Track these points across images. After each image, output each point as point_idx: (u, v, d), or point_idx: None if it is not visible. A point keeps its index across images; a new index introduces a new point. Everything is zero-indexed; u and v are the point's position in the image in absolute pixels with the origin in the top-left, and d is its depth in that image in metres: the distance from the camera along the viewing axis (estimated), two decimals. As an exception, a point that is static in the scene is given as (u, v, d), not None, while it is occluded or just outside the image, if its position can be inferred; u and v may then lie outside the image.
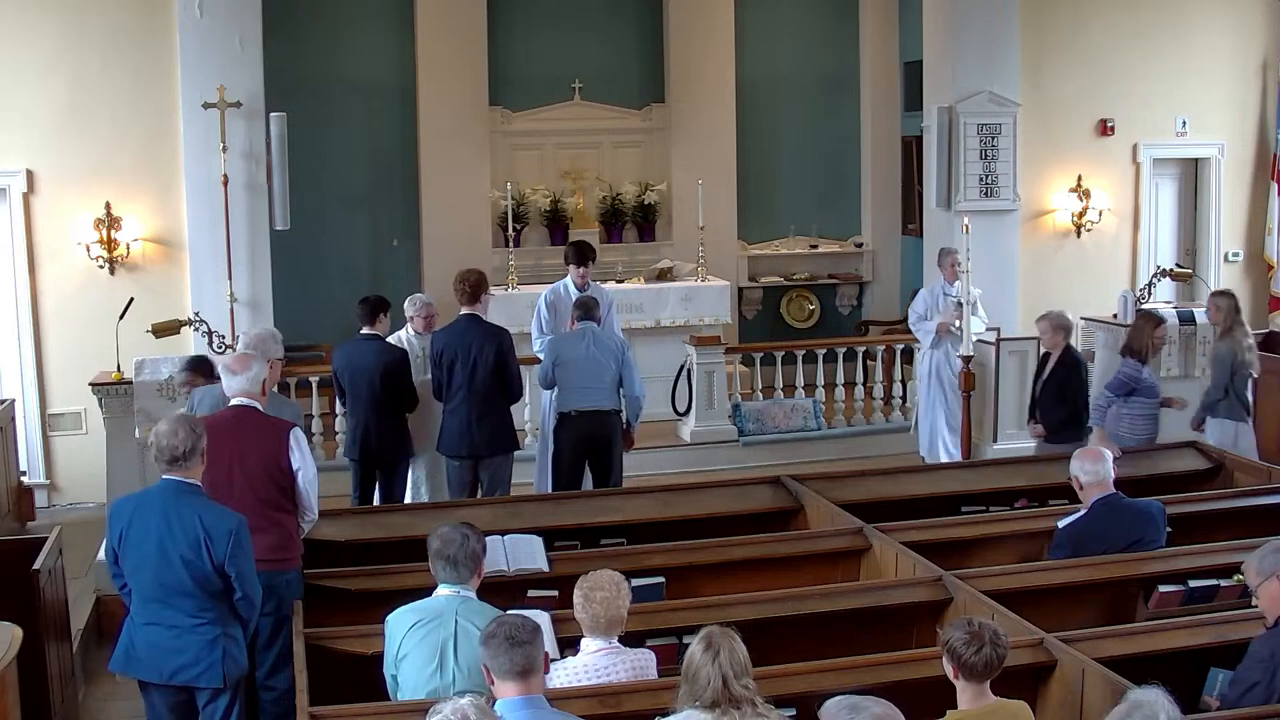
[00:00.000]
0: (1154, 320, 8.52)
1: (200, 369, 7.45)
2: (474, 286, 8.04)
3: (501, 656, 3.94)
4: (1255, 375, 8.94)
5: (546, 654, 4.06)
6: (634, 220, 13.75)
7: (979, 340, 9.98)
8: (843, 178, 14.47)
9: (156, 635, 5.04)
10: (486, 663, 3.99)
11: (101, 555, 8.04)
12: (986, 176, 11.28)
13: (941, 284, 10.34)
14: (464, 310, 8.03)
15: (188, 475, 5.06)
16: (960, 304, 10.07)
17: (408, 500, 8.25)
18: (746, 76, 13.88)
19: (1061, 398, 8.56)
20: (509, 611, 4.31)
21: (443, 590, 4.74)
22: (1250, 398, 8.86)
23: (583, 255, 9.08)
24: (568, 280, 9.08)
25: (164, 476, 5.10)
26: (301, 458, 5.76)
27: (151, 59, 9.68)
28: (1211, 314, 9.15)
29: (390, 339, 8.25)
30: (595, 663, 4.61)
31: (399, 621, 4.68)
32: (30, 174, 9.60)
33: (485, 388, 7.89)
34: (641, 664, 4.67)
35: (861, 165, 14.45)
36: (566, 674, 4.59)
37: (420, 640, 4.60)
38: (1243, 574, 5.04)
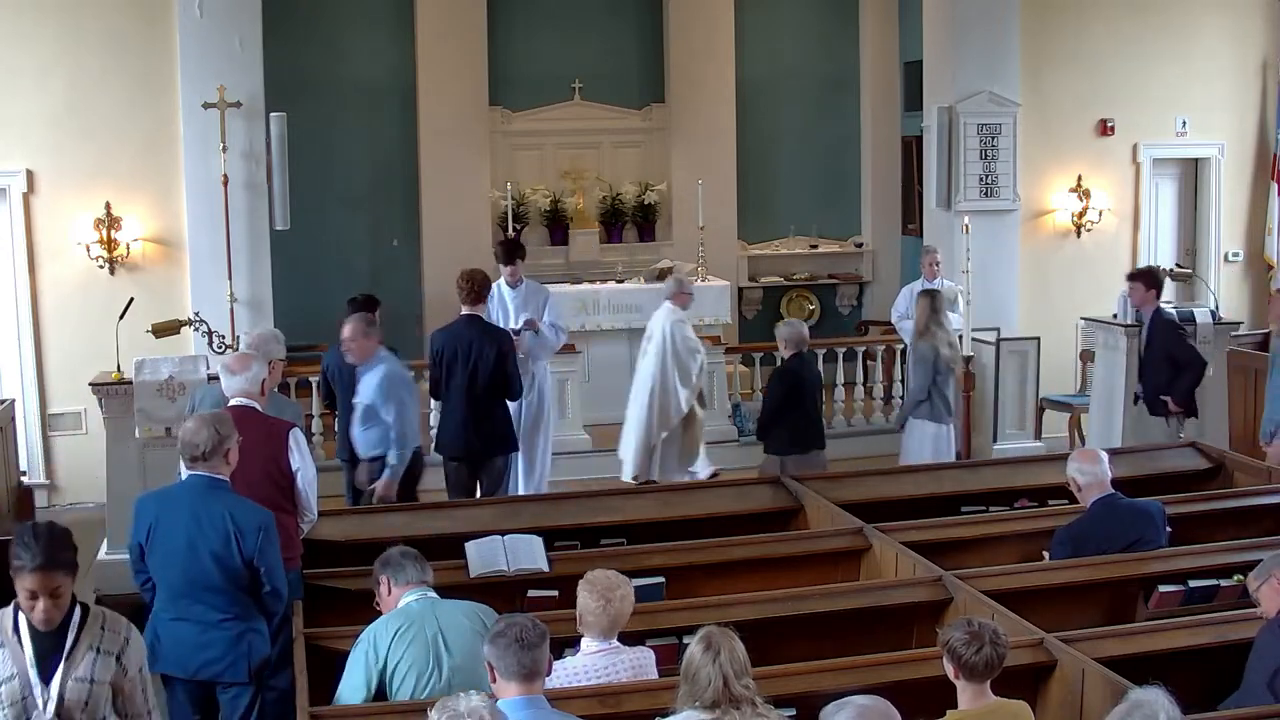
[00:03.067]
0: None
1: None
2: (481, 286, 8.02)
3: (509, 657, 3.94)
4: (957, 372, 9.12)
5: (550, 656, 4.07)
6: (634, 220, 13.75)
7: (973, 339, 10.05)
8: (843, 178, 14.47)
9: (183, 630, 5.08)
10: (491, 660, 3.99)
11: (102, 554, 8.07)
12: (986, 176, 11.27)
13: (921, 282, 10.44)
14: (465, 310, 8.01)
15: (214, 471, 5.10)
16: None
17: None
18: (746, 76, 13.88)
19: (778, 413, 8.52)
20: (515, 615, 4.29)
21: (410, 596, 4.79)
22: (951, 397, 9.00)
23: (510, 253, 8.99)
24: (500, 281, 8.96)
25: (190, 472, 5.15)
26: (301, 458, 5.78)
27: (152, 60, 9.68)
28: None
29: None
30: (595, 663, 4.61)
31: (381, 634, 4.66)
32: (30, 174, 9.60)
33: (485, 389, 7.88)
34: (640, 663, 4.67)
35: (861, 165, 14.45)
36: (567, 674, 4.58)
37: (409, 644, 4.61)
38: (1245, 582, 5.06)
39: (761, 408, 8.90)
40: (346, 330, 7.42)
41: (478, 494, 8.03)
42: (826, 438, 8.85)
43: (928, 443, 8.91)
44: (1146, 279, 9.27)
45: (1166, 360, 8.89)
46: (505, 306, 9.00)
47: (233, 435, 5.17)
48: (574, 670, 4.60)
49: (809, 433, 8.59)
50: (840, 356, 11.50)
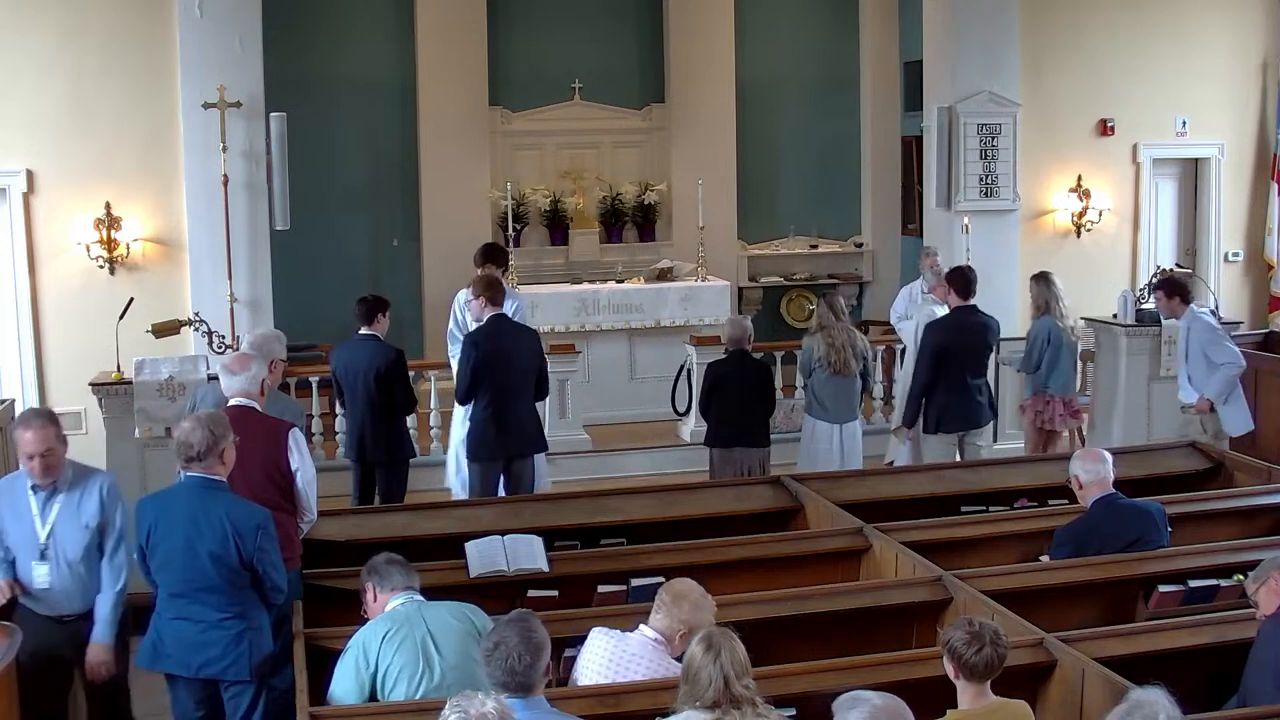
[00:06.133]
0: None
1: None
2: (500, 289, 7.97)
3: (503, 678, 3.95)
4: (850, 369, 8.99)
5: (549, 665, 4.07)
6: (634, 220, 13.75)
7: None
8: (843, 178, 14.48)
9: (184, 630, 5.09)
10: (488, 674, 4.00)
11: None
12: (986, 176, 11.28)
13: (920, 283, 10.44)
14: (490, 312, 7.90)
15: (209, 472, 5.10)
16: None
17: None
18: (746, 76, 13.88)
19: (704, 408, 8.82)
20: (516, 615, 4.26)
21: (396, 600, 4.81)
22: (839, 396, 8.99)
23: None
24: (466, 299, 8.55)
25: (187, 474, 5.15)
26: (300, 458, 5.78)
27: (152, 59, 9.68)
28: None
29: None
30: (634, 648, 4.60)
31: (370, 639, 4.66)
32: (30, 174, 9.59)
33: (519, 389, 7.86)
34: (657, 670, 4.61)
35: (861, 165, 14.45)
36: (606, 639, 4.64)
37: (399, 646, 4.62)
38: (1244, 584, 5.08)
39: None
40: (30, 436, 5.22)
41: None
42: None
43: (819, 440, 8.94)
44: (955, 283, 8.90)
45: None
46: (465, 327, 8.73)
47: (228, 435, 5.15)
48: (610, 638, 4.63)
49: (731, 429, 8.63)
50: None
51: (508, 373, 7.82)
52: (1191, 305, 9.00)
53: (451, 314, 9.14)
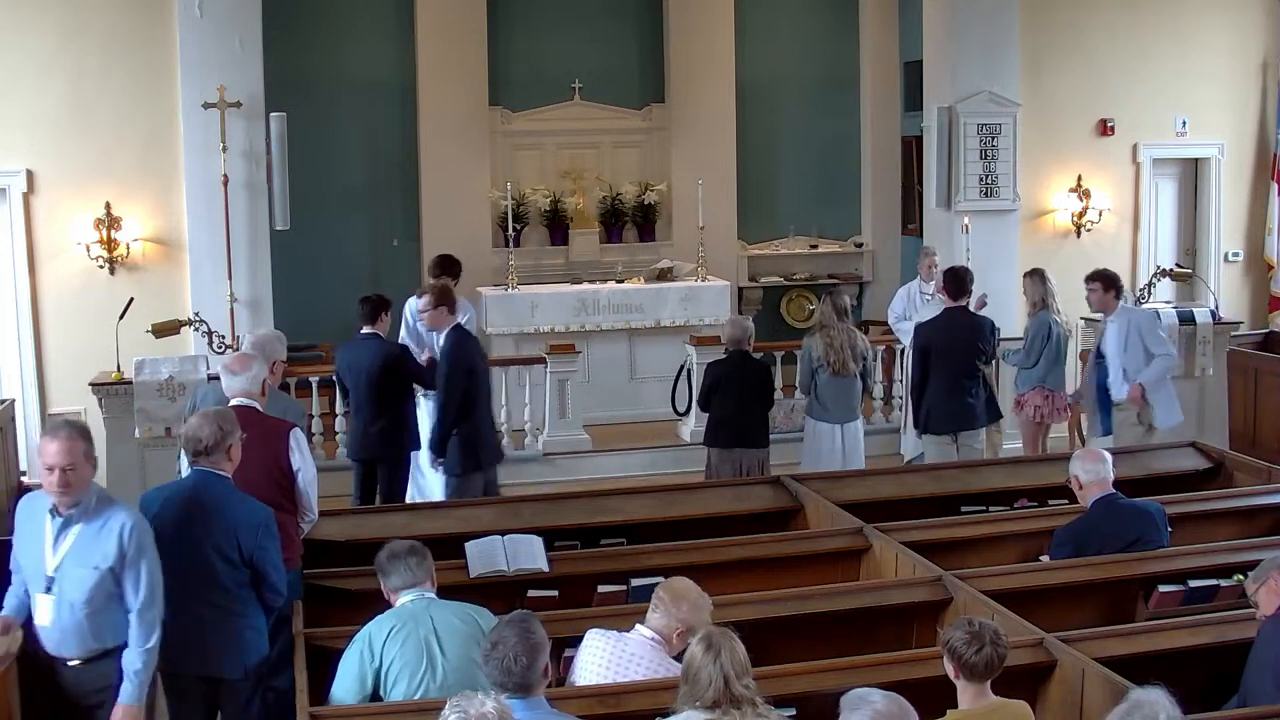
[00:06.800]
0: None
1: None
2: (453, 298, 7.99)
3: (501, 678, 3.95)
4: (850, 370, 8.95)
5: (548, 665, 4.07)
6: (634, 220, 13.75)
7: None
8: (843, 178, 14.47)
9: (182, 626, 5.05)
10: (486, 674, 4.00)
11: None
12: (986, 176, 11.28)
13: (918, 283, 10.46)
14: (450, 322, 7.88)
15: (215, 467, 5.12)
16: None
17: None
18: (746, 76, 13.88)
19: (703, 407, 8.84)
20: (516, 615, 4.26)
21: (406, 597, 4.79)
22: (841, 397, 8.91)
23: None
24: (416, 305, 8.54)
25: (193, 468, 5.17)
26: (301, 458, 5.79)
27: (152, 59, 9.70)
28: None
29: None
30: (632, 648, 4.59)
31: (375, 634, 4.66)
32: (30, 174, 9.60)
33: (488, 397, 8.06)
34: (657, 671, 4.62)
35: (861, 165, 14.45)
36: (604, 639, 4.62)
37: (403, 644, 4.61)
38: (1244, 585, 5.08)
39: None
40: (55, 448, 4.68)
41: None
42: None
43: (821, 441, 8.95)
44: (947, 283, 8.98)
45: None
46: (418, 335, 8.75)
47: (236, 432, 5.18)
48: (608, 638, 4.61)
49: (731, 430, 8.66)
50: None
51: (482, 383, 7.91)
52: (1121, 301, 9.03)
53: (404, 321, 9.00)
